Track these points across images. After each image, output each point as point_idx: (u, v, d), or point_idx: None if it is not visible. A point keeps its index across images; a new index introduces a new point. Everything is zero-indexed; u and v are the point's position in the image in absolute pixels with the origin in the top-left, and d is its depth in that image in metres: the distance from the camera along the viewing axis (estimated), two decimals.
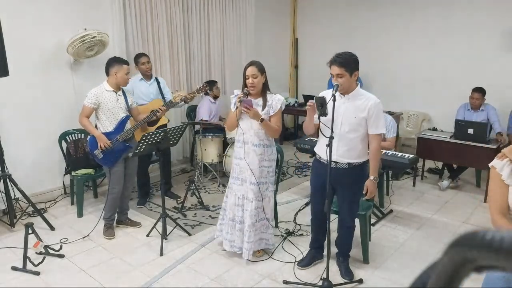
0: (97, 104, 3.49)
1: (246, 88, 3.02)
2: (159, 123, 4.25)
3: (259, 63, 3.04)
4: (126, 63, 3.58)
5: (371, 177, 2.79)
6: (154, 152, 4.11)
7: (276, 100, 3.05)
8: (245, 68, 3.02)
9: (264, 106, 3.03)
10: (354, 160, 2.77)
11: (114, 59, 3.59)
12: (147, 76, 4.35)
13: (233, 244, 3.24)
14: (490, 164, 1.87)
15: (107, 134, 3.52)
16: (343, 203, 2.91)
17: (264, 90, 3.07)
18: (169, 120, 4.59)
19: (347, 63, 2.62)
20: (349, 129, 2.71)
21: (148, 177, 4.52)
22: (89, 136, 3.59)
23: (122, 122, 3.57)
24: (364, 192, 2.82)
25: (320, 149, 2.84)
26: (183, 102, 4.15)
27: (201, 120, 5.13)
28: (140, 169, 4.17)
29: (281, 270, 3.10)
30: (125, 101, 3.62)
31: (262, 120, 2.94)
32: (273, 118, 3.05)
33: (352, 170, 2.79)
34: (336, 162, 2.75)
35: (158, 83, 4.42)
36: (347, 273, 2.98)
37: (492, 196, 1.85)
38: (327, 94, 2.69)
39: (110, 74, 3.52)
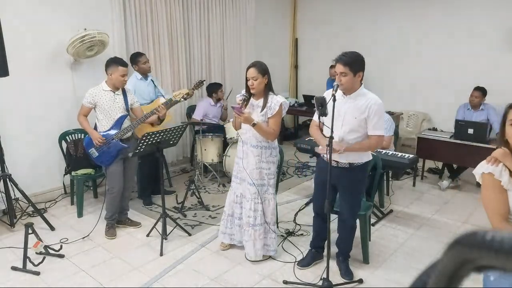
0: (93, 103, 3.52)
1: (244, 94, 3.02)
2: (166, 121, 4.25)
3: (260, 65, 2.99)
4: (123, 64, 3.53)
5: (341, 142, 2.66)
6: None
7: (275, 102, 2.98)
8: (247, 70, 3.01)
9: (263, 107, 3.00)
10: (355, 161, 2.77)
11: (112, 59, 3.59)
12: (145, 75, 4.35)
13: (233, 237, 3.32)
14: (485, 171, 1.71)
15: (103, 134, 3.53)
16: (344, 202, 2.90)
17: (266, 91, 3.02)
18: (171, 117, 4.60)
19: (352, 62, 2.61)
20: (349, 129, 2.70)
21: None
22: (86, 136, 3.62)
23: (118, 121, 3.57)
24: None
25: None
26: (183, 99, 4.14)
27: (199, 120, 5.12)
28: (148, 170, 4.27)
29: (281, 270, 3.10)
30: (124, 101, 3.62)
31: (254, 124, 2.90)
32: (271, 119, 3.00)
33: (353, 170, 2.78)
34: (337, 162, 2.75)
35: (152, 81, 4.42)
36: (347, 273, 2.98)
37: (490, 204, 1.71)
38: (328, 94, 2.68)
39: (107, 74, 3.54)
